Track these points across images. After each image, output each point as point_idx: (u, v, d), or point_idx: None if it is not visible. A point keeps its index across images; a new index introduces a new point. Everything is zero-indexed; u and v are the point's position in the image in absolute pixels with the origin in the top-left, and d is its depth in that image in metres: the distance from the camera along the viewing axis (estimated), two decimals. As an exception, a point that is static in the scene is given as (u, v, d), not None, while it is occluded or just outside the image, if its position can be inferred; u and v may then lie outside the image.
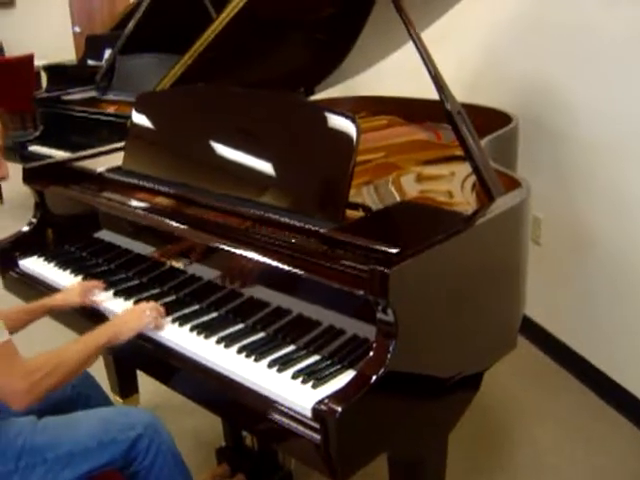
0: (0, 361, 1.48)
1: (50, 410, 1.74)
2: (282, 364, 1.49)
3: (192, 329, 1.67)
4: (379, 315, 1.37)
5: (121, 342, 1.68)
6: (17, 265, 2.17)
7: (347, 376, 1.41)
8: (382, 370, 1.34)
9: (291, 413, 1.38)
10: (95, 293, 1.89)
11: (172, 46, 3.42)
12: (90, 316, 1.87)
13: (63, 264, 2.09)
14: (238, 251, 1.62)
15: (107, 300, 1.87)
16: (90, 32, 6.60)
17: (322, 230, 1.54)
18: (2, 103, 5.87)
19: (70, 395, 1.87)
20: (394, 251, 1.39)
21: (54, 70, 5.61)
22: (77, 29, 8.09)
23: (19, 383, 1.49)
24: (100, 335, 1.65)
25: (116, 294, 1.89)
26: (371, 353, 1.38)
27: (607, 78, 2.62)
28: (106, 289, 1.91)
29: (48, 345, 1.62)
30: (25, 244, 2.20)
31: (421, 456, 1.70)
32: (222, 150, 1.88)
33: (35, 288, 2.07)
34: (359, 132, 1.62)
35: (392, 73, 3.45)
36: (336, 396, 1.31)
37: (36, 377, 1.50)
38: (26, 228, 2.23)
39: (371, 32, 2.45)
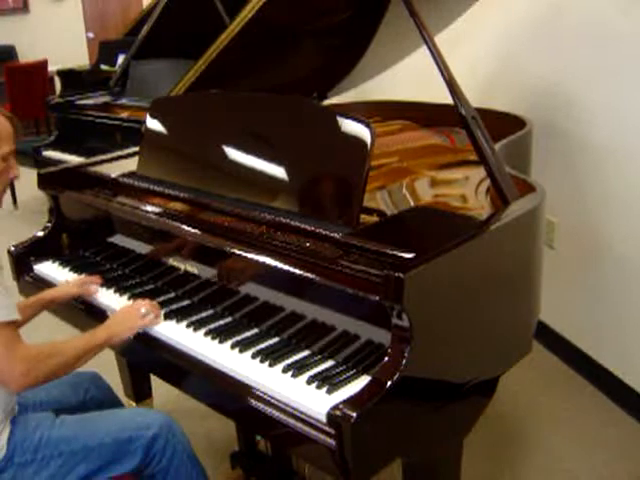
0: (3, 341, 1.51)
1: (63, 413, 1.75)
2: (297, 369, 1.49)
3: (207, 334, 1.67)
4: (394, 320, 1.37)
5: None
6: (32, 270, 2.18)
7: (362, 381, 1.40)
8: (397, 375, 1.33)
9: (306, 418, 1.37)
10: (93, 286, 1.94)
11: (185, 52, 3.44)
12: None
13: (78, 269, 2.10)
14: (252, 256, 1.62)
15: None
16: (104, 38, 6.65)
17: (337, 235, 1.54)
18: (17, 108, 5.92)
19: (83, 399, 1.89)
20: (409, 256, 1.39)
21: (68, 75, 5.66)
22: (91, 35, 8.16)
23: (18, 365, 1.52)
24: (99, 335, 1.70)
25: (130, 298, 1.89)
26: (386, 358, 1.37)
27: (622, 82, 2.61)
28: (108, 287, 1.96)
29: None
30: (40, 249, 2.21)
31: (436, 461, 1.69)
32: (236, 155, 1.88)
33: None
34: (373, 136, 1.62)
35: (405, 78, 3.45)
36: (351, 401, 1.31)
37: (35, 361, 1.55)
38: (41, 233, 2.24)
39: (384, 36, 2.45)
